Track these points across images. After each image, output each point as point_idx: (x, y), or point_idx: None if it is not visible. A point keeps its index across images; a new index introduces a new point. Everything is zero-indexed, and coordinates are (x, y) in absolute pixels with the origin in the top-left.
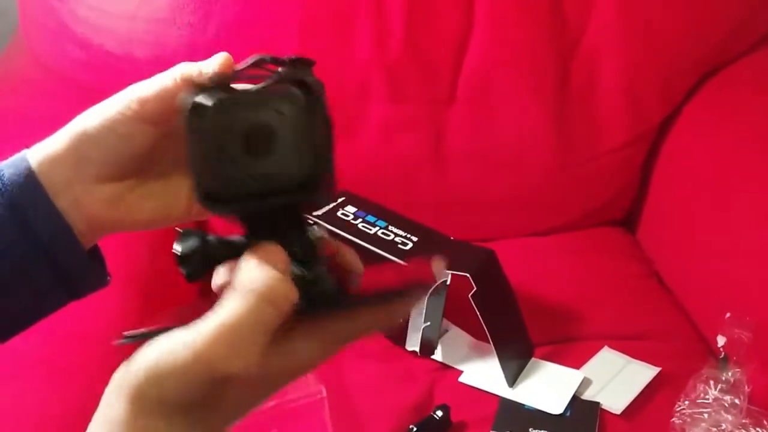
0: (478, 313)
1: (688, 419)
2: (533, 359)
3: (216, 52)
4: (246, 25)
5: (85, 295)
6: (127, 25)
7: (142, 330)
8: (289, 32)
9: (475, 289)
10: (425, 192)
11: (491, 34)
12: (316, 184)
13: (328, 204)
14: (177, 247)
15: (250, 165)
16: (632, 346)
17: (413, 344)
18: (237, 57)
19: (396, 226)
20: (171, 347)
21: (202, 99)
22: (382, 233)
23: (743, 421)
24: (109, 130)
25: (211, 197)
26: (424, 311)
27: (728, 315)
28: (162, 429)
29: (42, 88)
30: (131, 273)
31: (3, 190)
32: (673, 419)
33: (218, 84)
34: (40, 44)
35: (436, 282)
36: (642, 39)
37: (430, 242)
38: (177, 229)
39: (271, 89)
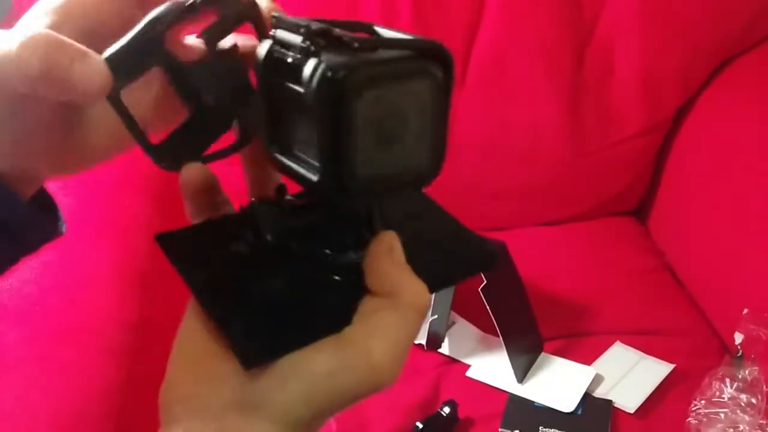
0: (487, 307)
1: (704, 419)
2: (543, 354)
3: None
4: None
5: (36, 249)
6: None
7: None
8: (295, 14)
9: (485, 282)
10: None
11: (503, 18)
12: (434, 175)
13: None
14: (262, 218)
15: (376, 154)
16: (645, 341)
17: (420, 337)
18: None
19: None
20: (327, 369)
21: (341, 72)
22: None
23: (761, 421)
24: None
25: (342, 187)
26: (432, 303)
27: (746, 311)
28: None
29: None
30: (129, 267)
31: None
32: (689, 419)
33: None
34: None
35: None
36: (660, 26)
37: None
38: (252, 202)
39: (405, 63)
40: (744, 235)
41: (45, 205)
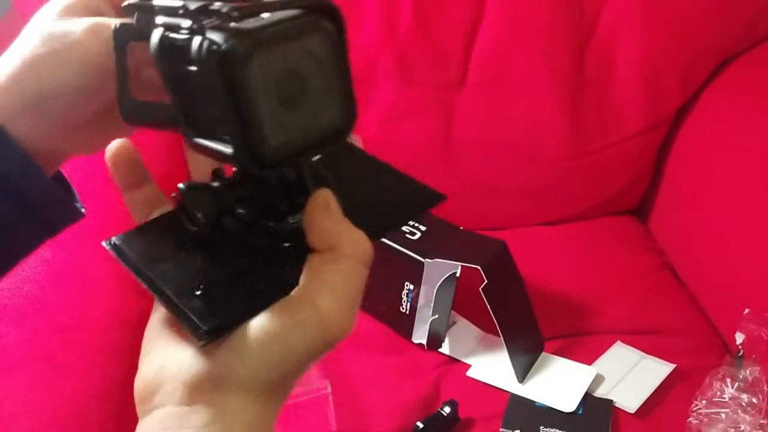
0: (488, 307)
1: (705, 419)
2: (544, 354)
3: None
4: None
5: (60, 230)
6: None
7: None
8: None
9: (486, 282)
10: (434, 179)
11: (503, 16)
12: (350, 126)
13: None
14: (199, 208)
15: (285, 119)
16: (645, 340)
17: (420, 337)
18: None
19: None
20: (279, 327)
21: (231, 43)
22: None
23: (762, 421)
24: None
25: (257, 162)
26: (433, 303)
27: (747, 311)
28: (274, 404)
29: None
30: None
31: None
32: (690, 419)
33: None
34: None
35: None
36: (660, 25)
37: (438, 232)
38: (180, 186)
39: (293, 22)
40: (745, 234)
41: (63, 185)
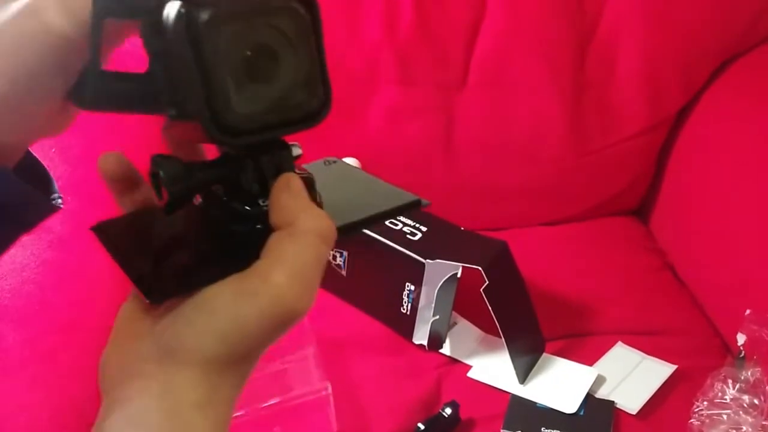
0: (489, 307)
1: (707, 420)
2: (545, 355)
3: None
4: None
5: (34, 226)
6: None
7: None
8: None
9: (487, 282)
10: (435, 179)
11: (505, 16)
12: (321, 111)
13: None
14: (162, 174)
15: (253, 91)
16: (646, 341)
17: (421, 337)
18: None
19: (404, 215)
20: (229, 301)
21: (199, 12)
22: (390, 222)
23: (764, 422)
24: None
25: (221, 128)
26: (434, 304)
27: (748, 312)
28: (226, 385)
29: None
30: None
31: None
32: (691, 420)
33: None
34: None
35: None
36: (661, 25)
37: (439, 233)
38: (153, 156)
39: (266, 2)
40: (746, 234)
41: (39, 177)
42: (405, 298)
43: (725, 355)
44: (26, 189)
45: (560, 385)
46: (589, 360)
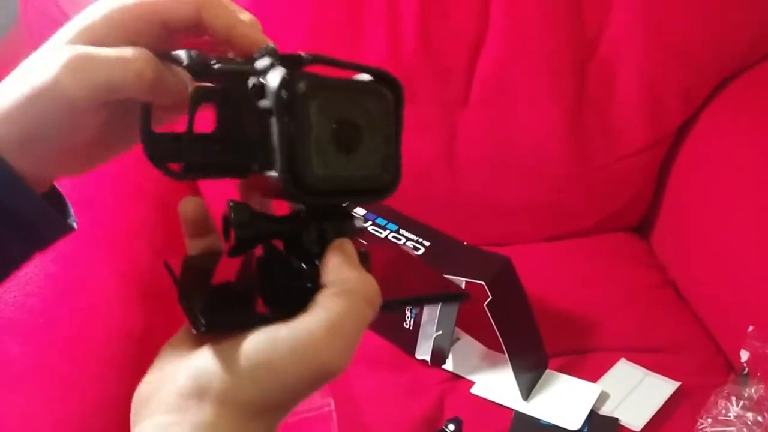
0: (492, 323)
1: None
2: (548, 371)
3: (220, 51)
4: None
5: (49, 245)
6: None
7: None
8: (299, 30)
9: (490, 297)
10: (437, 194)
11: (507, 34)
12: (390, 188)
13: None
14: (233, 217)
15: (333, 158)
16: (649, 358)
17: (424, 353)
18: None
19: (407, 230)
20: (270, 347)
21: (299, 81)
22: (393, 237)
23: None
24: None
25: (298, 185)
26: (437, 319)
27: (751, 328)
28: (250, 431)
29: None
30: (133, 278)
31: None
32: None
33: (292, 64)
34: (40, 35)
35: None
36: (662, 43)
37: (442, 247)
38: (229, 201)
39: (357, 83)
40: (748, 251)
41: (57, 201)
42: (408, 314)
43: (728, 372)
44: (46, 208)
45: (564, 401)
46: (592, 376)
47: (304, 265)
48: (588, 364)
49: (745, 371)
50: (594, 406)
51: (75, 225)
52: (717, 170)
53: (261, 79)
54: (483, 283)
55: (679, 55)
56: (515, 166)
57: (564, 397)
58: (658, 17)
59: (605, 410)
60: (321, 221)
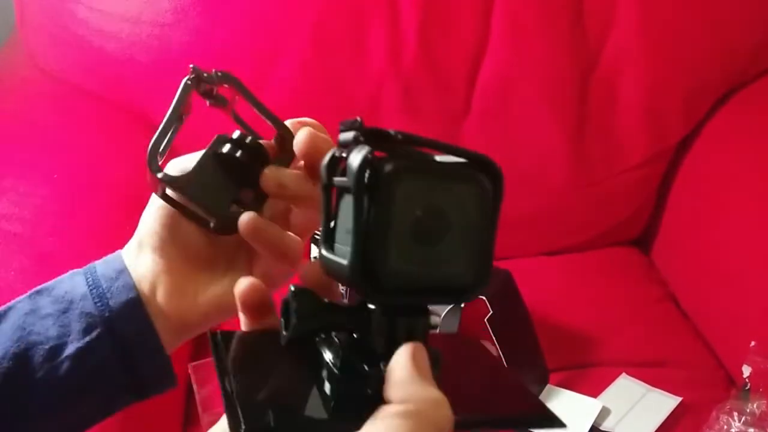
0: (493, 337)
1: None
2: (549, 386)
3: (223, 60)
4: (255, 33)
5: (150, 397)
6: (129, 28)
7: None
8: (301, 41)
9: (491, 312)
10: None
11: (508, 46)
12: (475, 289)
13: None
14: (294, 308)
15: (413, 250)
16: (650, 373)
17: None
18: (245, 65)
19: None
20: None
21: (386, 162)
22: None
23: None
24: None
25: (370, 280)
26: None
27: (753, 344)
28: None
29: (37, 89)
30: None
31: (95, 288)
32: None
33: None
34: (36, 45)
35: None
36: (663, 57)
37: None
38: (292, 285)
39: (451, 165)
40: (749, 265)
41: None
42: None
43: (729, 387)
44: (168, 373)
45: (565, 417)
46: (593, 391)
47: (366, 368)
48: (589, 379)
49: (747, 386)
50: (595, 422)
51: (176, 382)
52: (718, 184)
53: (342, 153)
54: (483, 297)
55: (681, 69)
56: (516, 179)
57: (565, 412)
58: (659, 31)
59: (606, 426)
60: (392, 317)
